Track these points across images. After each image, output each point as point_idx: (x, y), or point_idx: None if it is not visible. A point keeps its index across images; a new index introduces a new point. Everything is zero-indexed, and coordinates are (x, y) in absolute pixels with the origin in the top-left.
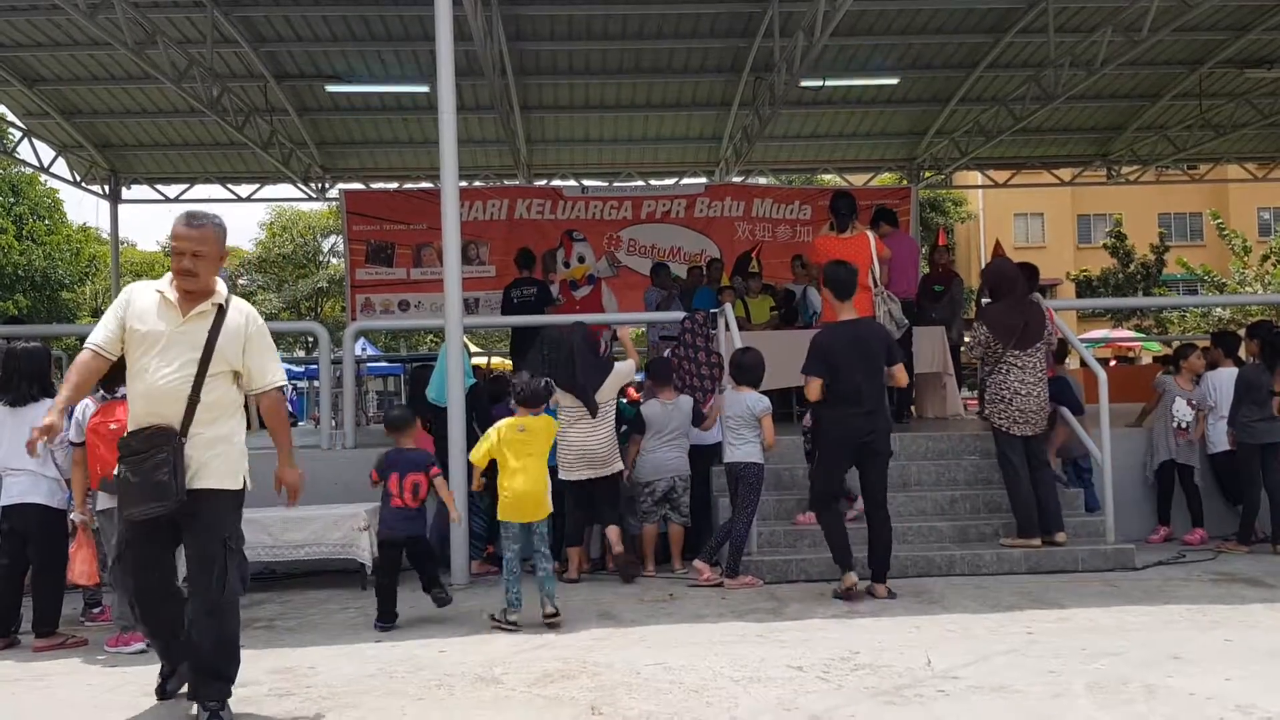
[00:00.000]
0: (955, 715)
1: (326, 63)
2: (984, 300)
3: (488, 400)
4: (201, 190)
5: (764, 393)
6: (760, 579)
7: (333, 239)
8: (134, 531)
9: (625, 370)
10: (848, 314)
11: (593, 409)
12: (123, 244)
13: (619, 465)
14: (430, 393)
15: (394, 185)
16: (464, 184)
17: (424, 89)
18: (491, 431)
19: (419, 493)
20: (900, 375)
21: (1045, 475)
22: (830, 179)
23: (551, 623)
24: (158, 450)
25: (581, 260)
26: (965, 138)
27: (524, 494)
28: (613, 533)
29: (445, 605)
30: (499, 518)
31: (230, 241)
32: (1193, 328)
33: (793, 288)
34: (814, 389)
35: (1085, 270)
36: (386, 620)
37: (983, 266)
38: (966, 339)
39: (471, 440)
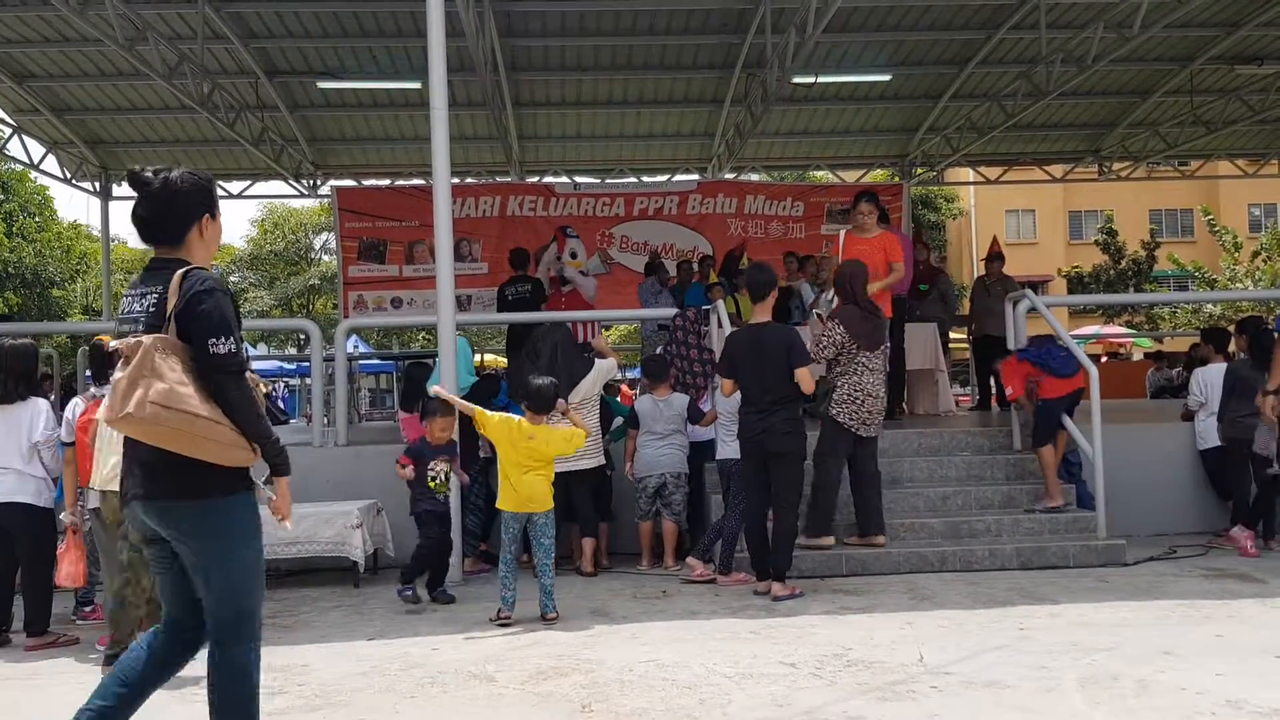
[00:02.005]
0: (948, 711)
1: (318, 59)
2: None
3: (486, 398)
4: None
5: None
6: (752, 575)
7: (324, 236)
8: None
9: (607, 367)
10: (759, 317)
11: (564, 398)
12: (114, 241)
13: (600, 459)
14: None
15: (386, 182)
16: (456, 181)
17: (416, 85)
18: (507, 421)
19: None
20: (804, 379)
21: (872, 477)
22: (822, 175)
23: (549, 622)
24: None
25: (574, 256)
26: (957, 134)
27: (531, 495)
28: (588, 545)
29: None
30: (501, 506)
31: (222, 239)
32: (1183, 324)
33: (787, 284)
34: (725, 387)
35: (1077, 266)
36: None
37: (835, 268)
38: (813, 333)
39: (471, 433)
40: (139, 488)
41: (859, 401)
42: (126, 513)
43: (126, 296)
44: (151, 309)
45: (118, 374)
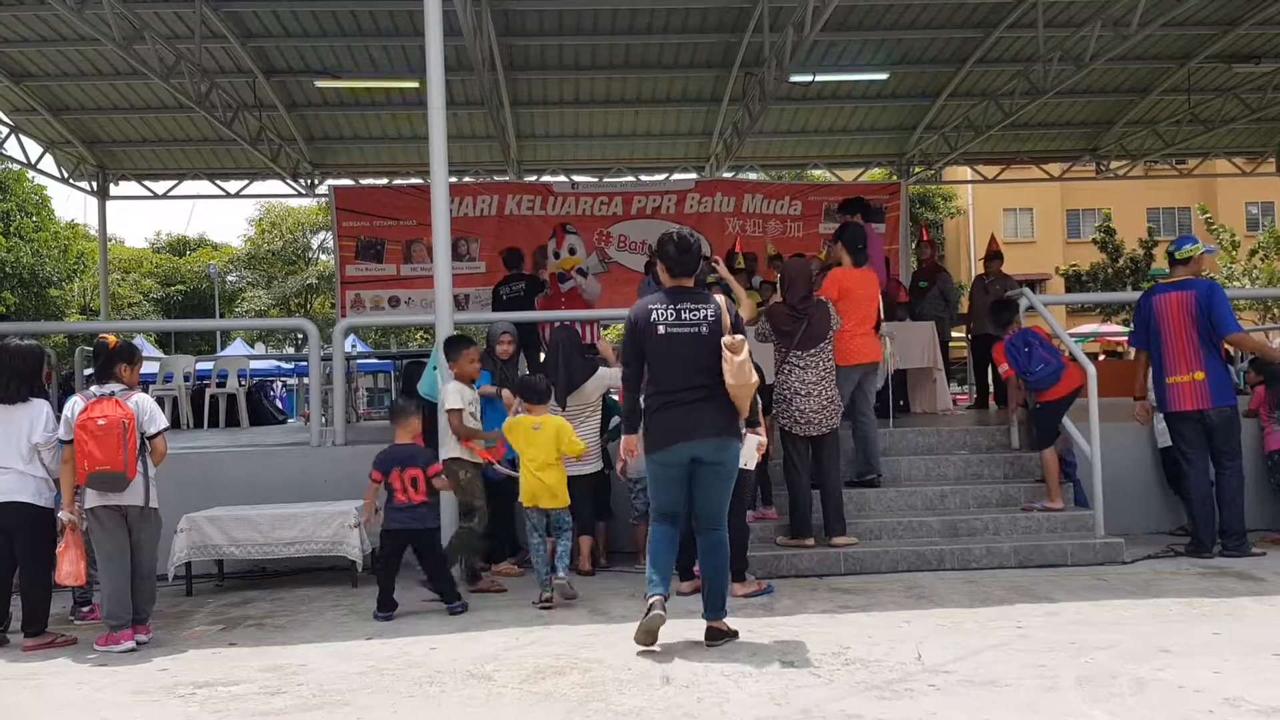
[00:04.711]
0: (946, 709)
1: (315, 58)
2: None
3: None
4: (190, 186)
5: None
6: (752, 576)
7: (322, 235)
8: None
9: (610, 376)
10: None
11: (561, 401)
12: (111, 240)
13: (598, 464)
14: (422, 387)
15: (384, 181)
16: (454, 180)
17: (413, 84)
18: (513, 423)
19: (418, 486)
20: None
21: (834, 477)
22: (820, 174)
23: (559, 587)
24: None
25: (572, 252)
26: (955, 133)
27: (540, 487)
28: (585, 544)
29: (458, 614)
30: (523, 503)
31: (220, 238)
32: None
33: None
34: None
35: (1074, 265)
36: (385, 609)
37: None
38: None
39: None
40: (713, 430)
41: (788, 400)
42: (677, 447)
43: (669, 308)
44: (712, 319)
45: (738, 358)
